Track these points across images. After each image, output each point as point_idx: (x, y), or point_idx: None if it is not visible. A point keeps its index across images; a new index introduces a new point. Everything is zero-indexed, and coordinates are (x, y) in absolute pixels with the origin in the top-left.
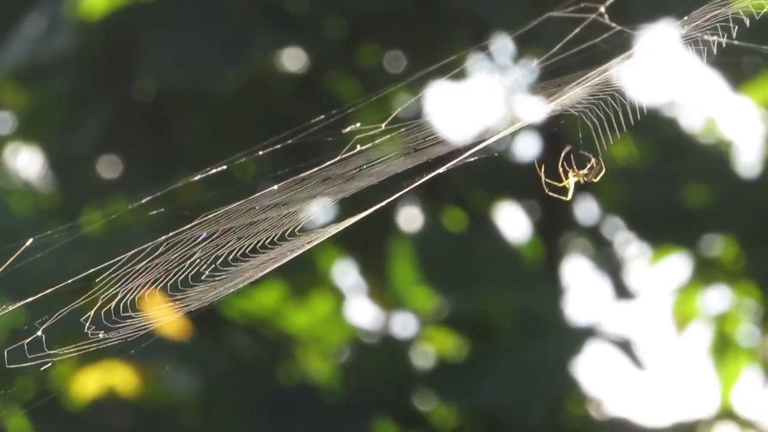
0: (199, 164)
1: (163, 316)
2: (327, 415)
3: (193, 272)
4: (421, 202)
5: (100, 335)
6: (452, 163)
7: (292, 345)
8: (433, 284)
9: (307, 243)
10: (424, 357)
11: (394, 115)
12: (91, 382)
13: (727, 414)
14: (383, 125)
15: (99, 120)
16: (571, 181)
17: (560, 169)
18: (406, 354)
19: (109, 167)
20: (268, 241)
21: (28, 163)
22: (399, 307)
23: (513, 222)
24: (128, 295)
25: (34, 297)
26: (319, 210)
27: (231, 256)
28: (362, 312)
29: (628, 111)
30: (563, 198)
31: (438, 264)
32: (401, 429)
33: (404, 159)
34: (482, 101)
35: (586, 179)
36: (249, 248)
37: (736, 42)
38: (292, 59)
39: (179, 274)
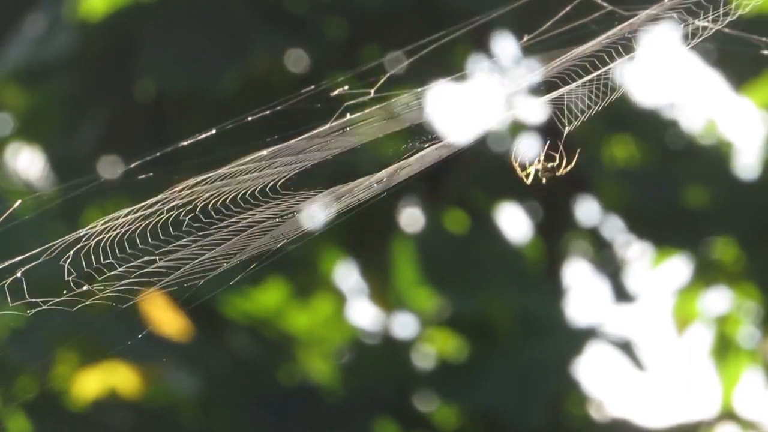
0: (199, 165)
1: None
2: (328, 416)
3: (171, 219)
4: (422, 203)
5: (84, 287)
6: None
7: (292, 346)
8: (434, 285)
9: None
10: (424, 358)
11: (383, 80)
12: (91, 383)
13: (728, 415)
14: (372, 91)
15: (99, 120)
16: (532, 171)
17: (515, 162)
18: (407, 355)
19: (109, 167)
20: (248, 193)
21: (29, 163)
22: (400, 307)
23: (514, 223)
24: (109, 236)
25: (25, 255)
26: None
27: (210, 205)
28: (363, 313)
29: (608, 98)
30: (523, 177)
31: (439, 265)
32: (402, 429)
33: (387, 123)
34: (482, 101)
35: (549, 173)
36: (229, 198)
37: (726, 30)
38: (293, 60)
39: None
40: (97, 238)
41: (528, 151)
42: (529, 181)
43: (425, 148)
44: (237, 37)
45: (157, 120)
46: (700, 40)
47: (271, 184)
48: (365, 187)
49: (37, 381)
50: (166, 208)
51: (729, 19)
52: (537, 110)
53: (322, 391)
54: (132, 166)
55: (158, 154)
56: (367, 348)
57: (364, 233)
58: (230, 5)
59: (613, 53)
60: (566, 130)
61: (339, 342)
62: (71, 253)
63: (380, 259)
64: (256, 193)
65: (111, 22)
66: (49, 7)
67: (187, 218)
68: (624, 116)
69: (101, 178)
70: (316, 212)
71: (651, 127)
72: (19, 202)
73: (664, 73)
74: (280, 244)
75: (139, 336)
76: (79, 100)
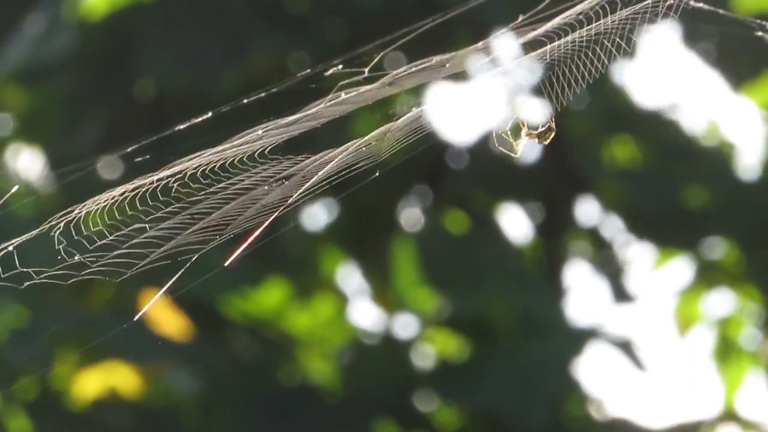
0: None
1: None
2: (328, 416)
3: (161, 188)
4: (423, 204)
5: (76, 258)
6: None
7: (293, 346)
8: (435, 285)
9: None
10: (425, 358)
11: (377, 59)
12: (92, 383)
13: (729, 416)
14: (366, 71)
15: (99, 120)
16: (522, 141)
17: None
18: (407, 355)
19: (109, 168)
20: (237, 159)
21: (29, 163)
22: (400, 308)
23: (514, 223)
24: (103, 205)
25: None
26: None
27: (199, 172)
28: (364, 313)
29: (598, 64)
30: (512, 154)
31: (439, 265)
32: (402, 430)
33: (379, 90)
34: (483, 101)
35: (538, 140)
36: (218, 166)
37: (721, 11)
38: (294, 60)
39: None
40: (87, 209)
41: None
42: (518, 154)
43: (413, 110)
44: (237, 38)
45: (157, 120)
46: (685, 6)
47: (259, 150)
48: (354, 150)
49: (38, 381)
50: (155, 178)
51: None
52: (537, 111)
53: (323, 391)
54: (129, 150)
55: (155, 137)
56: (368, 348)
57: (365, 234)
58: (230, 5)
59: (600, 15)
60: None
61: (339, 342)
62: (61, 224)
63: (381, 260)
64: (244, 159)
65: (111, 22)
66: (49, 7)
67: (175, 185)
68: (624, 116)
69: (94, 164)
70: (315, 210)
71: (651, 127)
72: (16, 187)
73: (666, 73)
74: (272, 218)
75: (133, 320)
76: (79, 100)
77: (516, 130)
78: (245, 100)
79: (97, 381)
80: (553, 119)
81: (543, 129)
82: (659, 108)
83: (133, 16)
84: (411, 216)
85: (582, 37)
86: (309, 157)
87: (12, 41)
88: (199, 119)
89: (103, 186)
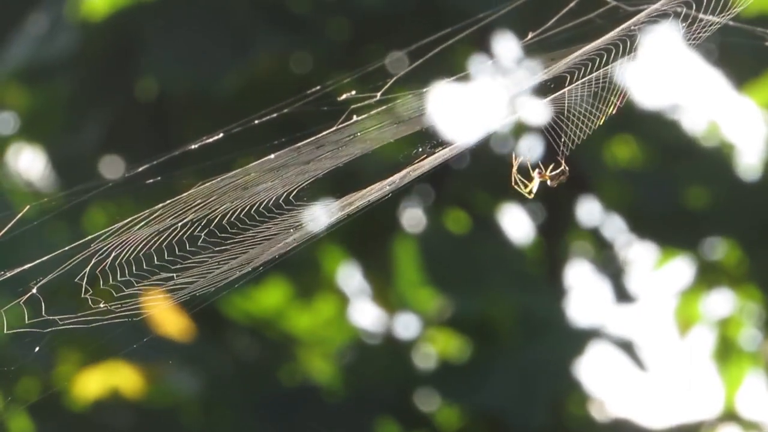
0: (206, 169)
1: (164, 298)
2: (329, 416)
3: (187, 235)
4: (424, 204)
5: (102, 305)
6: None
7: (294, 346)
8: (436, 285)
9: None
10: (426, 358)
11: (389, 84)
12: (93, 383)
13: (730, 416)
14: (378, 95)
15: (101, 120)
16: (536, 182)
17: (518, 174)
18: (409, 355)
19: (111, 167)
20: (263, 206)
21: (31, 163)
22: (402, 308)
23: (516, 224)
24: (124, 253)
25: (33, 263)
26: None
27: (225, 220)
28: (365, 313)
29: (613, 107)
30: (525, 194)
31: (441, 265)
32: (403, 430)
33: (398, 126)
34: (485, 102)
35: (549, 182)
36: (244, 212)
37: (731, 22)
38: (295, 60)
39: (174, 235)
40: (114, 254)
41: (529, 156)
42: (531, 195)
43: (435, 152)
44: (239, 38)
45: (158, 120)
46: (705, 33)
47: (284, 195)
48: (377, 190)
49: (40, 381)
50: (180, 224)
51: (733, 12)
52: (540, 112)
53: (324, 391)
54: (140, 170)
55: (165, 158)
56: (369, 348)
57: (366, 234)
58: (232, 5)
59: (619, 48)
60: (565, 141)
61: (340, 342)
62: (87, 269)
63: (382, 260)
64: (270, 205)
65: (113, 22)
66: (51, 7)
67: (203, 234)
68: (626, 116)
69: (108, 183)
70: (321, 215)
71: (652, 128)
72: (28, 207)
73: (667, 73)
74: (290, 248)
75: (144, 340)
76: (80, 99)
77: (528, 172)
78: (256, 121)
79: (98, 381)
80: (565, 162)
81: (556, 172)
82: (660, 108)
83: (134, 16)
84: (412, 216)
85: (594, 82)
86: (334, 201)
87: (14, 41)
88: (212, 139)
89: (110, 192)
